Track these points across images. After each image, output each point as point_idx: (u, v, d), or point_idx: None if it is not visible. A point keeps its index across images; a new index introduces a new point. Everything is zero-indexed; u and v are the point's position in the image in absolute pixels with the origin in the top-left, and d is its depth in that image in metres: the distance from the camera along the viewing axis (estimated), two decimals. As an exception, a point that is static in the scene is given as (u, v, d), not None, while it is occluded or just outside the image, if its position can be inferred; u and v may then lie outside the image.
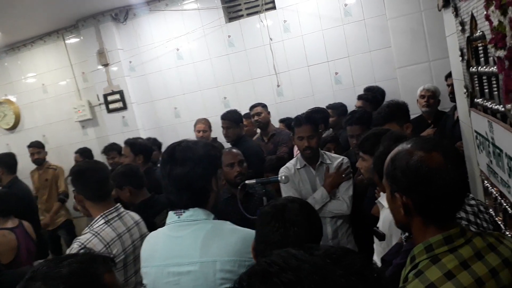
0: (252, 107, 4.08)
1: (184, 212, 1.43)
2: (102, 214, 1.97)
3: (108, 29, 4.92)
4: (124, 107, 5.08)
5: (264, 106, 4.08)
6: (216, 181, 1.50)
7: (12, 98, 5.78)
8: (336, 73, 4.42)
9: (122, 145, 3.72)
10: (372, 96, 3.79)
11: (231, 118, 3.65)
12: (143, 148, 3.41)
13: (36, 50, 5.47)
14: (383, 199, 1.88)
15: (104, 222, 1.95)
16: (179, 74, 4.95)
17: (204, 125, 4.39)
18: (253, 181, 2.31)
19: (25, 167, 5.02)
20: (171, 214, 1.47)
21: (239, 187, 2.29)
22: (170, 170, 1.44)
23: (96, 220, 1.96)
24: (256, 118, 3.99)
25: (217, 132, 4.27)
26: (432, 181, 1.03)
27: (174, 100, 5.06)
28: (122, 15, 4.90)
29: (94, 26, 4.94)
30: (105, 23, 4.91)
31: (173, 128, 5.11)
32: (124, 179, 2.72)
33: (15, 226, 3.16)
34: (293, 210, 1.23)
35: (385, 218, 1.80)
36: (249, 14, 4.66)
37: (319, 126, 2.89)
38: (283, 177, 2.35)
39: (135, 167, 2.91)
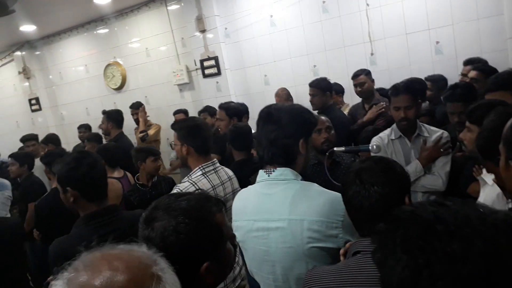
0: (355, 75, 3.71)
1: (273, 171, 1.45)
2: (200, 166, 2.08)
3: (207, -5, 4.98)
4: (218, 73, 5.17)
5: (368, 73, 3.68)
6: (306, 145, 1.48)
7: (120, 61, 6.19)
8: (437, 42, 4.03)
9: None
10: (488, 68, 3.32)
11: (318, 86, 3.53)
12: (237, 111, 3.52)
13: (141, 16, 5.76)
14: (486, 176, 1.69)
15: (202, 174, 2.07)
16: (271, 41, 4.88)
17: (278, 97, 4.32)
18: (342, 148, 2.22)
19: (128, 124, 5.40)
20: (261, 172, 1.49)
21: (326, 153, 2.21)
22: (262, 125, 1.48)
23: (195, 171, 2.07)
24: (359, 89, 3.66)
25: (305, 100, 4.18)
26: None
27: (264, 68, 5.04)
28: (221, -20, 4.92)
29: (194, -7, 5.04)
30: (204, -11, 4.98)
31: (262, 95, 5.10)
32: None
33: (121, 176, 3.43)
34: (368, 169, 1.17)
35: (487, 195, 1.62)
36: (346, -21, 4.40)
37: (417, 97, 2.67)
38: (374, 147, 2.21)
39: (239, 128, 2.98)
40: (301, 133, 1.46)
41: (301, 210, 1.35)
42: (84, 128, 5.93)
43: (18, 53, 6.98)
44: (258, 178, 1.50)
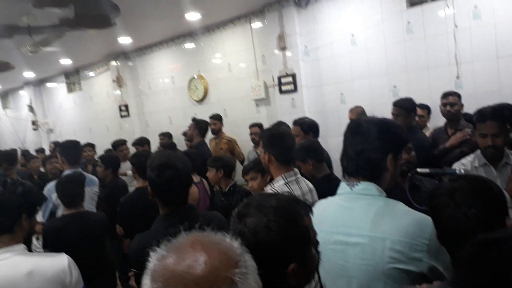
0: (446, 95, 3.54)
1: (357, 184, 1.39)
2: (282, 175, 2.10)
3: (290, 14, 5.05)
4: (295, 90, 5.20)
5: (459, 96, 3.52)
6: (394, 162, 1.40)
7: (203, 74, 6.47)
8: (533, 67, 3.71)
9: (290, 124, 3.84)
10: None
11: (403, 106, 3.39)
12: (312, 126, 3.48)
13: (226, 32, 5.99)
14: None
15: (284, 183, 2.08)
16: (350, 60, 4.82)
17: (351, 113, 4.22)
18: (426, 170, 2.10)
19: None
20: (343, 184, 1.44)
21: (408, 174, 2.11)
22: (350, 136, 1.43)
23: (277, 180, 2.10)
24: (448, 108, 3.46)
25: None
26: None
27: (341, 86, 4.97)
28: (304, 0, 4.97)
29: (278, 11, 5.14)
30: (288, 8, 5.05)
31: (337, 113, 5.03)
32: (308, 153, 2.81)
33: (198, 181, 3.55)
34: (462, 190, 1.09)
35: None
36: None
37: (506, 123, 2.46)
38: (462, 171, 2.07)
39: (317, 142, 2.97)
40: (390, 148, 1.39)
41: (383, 228, 1.28)
42: (164, 135, 6.26)
43: (113, 63, 7.58)
44: (339, 190, 1.45)
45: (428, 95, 4.25)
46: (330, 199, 1.51)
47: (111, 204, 4.06)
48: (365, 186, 1.38)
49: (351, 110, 4.19)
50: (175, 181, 1.76)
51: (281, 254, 0.98)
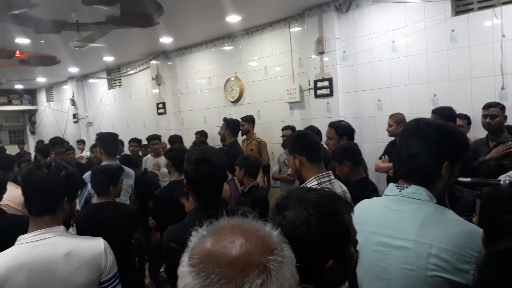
0: (487, 106, 3.40)
1: (406, 187, 1.32)
2: (316, 176, 2.04)
3: (330, 18, 5.00)
4: (330, 94, 5.13)
5: (502, 108, 3.37)
6: (450, 169, 1.31)
7: (240, 76, 6.49)
8: None
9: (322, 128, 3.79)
10: None
11: (442, 114, 3.27)
12: (347, 130, 3.40)
13: (265, 36, 5.99)
14: None
15: (317, 184, 2.02)
16: (390, 67, 4.70)
17: (390, 119, 4.08)
18: (468, 179, 1.99)
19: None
20: (391, 186, 1.38)
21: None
22: (406, 138, 1.37)
23: (310, 181, 2.04)
24: (488, 120, 3.31)
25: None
26: None
27: (379, 92, 4.86)
28: (345, 5, 4.90)
29: (318, 16, 5.09)
30: (328, 13, 5.00)
31: (373, 119, 4.92)
32: (346, 154, 2.76)
33: (229, 179, 3.55)
34: None
35: None
36: (480, 8, 4.07)
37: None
38: (507, 182, 1.95)
39: (356, 145, 2.91)
40: (448, 154, 1.30)
41: (431, 234, 1.21)
42: (200, 134, 6.32)
43: (153, 61, 7.74)
44: (386, 191, 1.39)
45: (470, 105, 4.08)
46: (374, 199, 1.45)
47: (141, 197, 4.14)
48: (415, 190, 1.31)
49: (391, 116, 4.07)
50: (210, 176, 1.76)
51: (320, 249, 0.94)
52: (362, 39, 4.87)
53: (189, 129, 7.22)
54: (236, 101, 6.58)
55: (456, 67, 4.21)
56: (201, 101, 7.28)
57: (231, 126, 4.97)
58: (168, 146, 5.70)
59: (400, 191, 1.33)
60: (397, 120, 3.98)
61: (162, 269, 1.94)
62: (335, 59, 5.05)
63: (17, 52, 6.55)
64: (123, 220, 2.79)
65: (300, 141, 2.13)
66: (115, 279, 1.69)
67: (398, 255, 1.26)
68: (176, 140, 5.67)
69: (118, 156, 4.18)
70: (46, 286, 1.52)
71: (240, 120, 5.40)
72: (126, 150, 6.47)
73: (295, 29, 5.59)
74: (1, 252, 1.55)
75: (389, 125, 4.02)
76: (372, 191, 2.72)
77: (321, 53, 5.12)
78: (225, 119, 5.21)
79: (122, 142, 5.90)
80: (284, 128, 5.17)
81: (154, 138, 5.55)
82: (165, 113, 7.77)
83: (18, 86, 11.12)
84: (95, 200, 3.17)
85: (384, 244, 1.30)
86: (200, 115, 7.30)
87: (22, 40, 5.76)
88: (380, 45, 4.74)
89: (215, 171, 1.78)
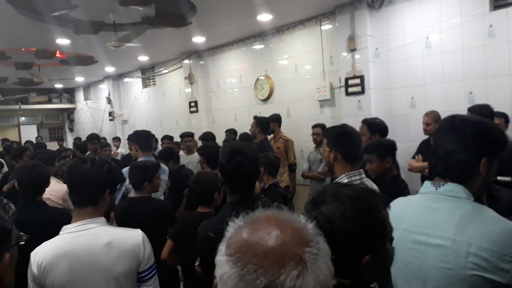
0: None
1: (443, 185, 1.29)
2: (347, 174, 2.02)
3: (362, 15, 4.92)
4: (362, 92, 5.05)
5: None
6: (488, 166, 1.27)
7: (270, 74, 6.50)
8: None
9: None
10: None
11: (479, 111, 3.16)
12: (380, 127, 3.35)
13: (296, 33, 5.97)
14: None
15: (348, 182, 1.99)
16: (424, 64, 4.58)
17: (427, 117, 3.96)
18: (508, 178, 1.93)
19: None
20: (427, 184, 1.34)
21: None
22: (442, 135, 1.33)
23: (341, 178, 2.02)
24: None
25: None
26: None
27: (412, 90, 4.74)
28: (377, 2, 4.81)
29: (350, 13, 5.02)
30: (360, 10, 4.93)
31: (406, 117, 4.81)
32: (390, 150, 2.76)
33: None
34: None
35: None
36: (522, 2, 3.90)
37: None
38: (550, 180, 1.87)
39: (394, 142, 2.86)
40: (486, 151, 1.26)
41: (470, 232, 1.18)
42: (230, 132, 6.37)
43: (186, 61, 7.87)
44: (422, 189, 1.36)
45: (508, 103, 3.92)
46: (410, 197, 1.43)
47: (175, 192, 4.21)
48: (452, 188, 1.27)
49: (428, 114, 3.96)
50: (243, 167, 1.77)
51: (356, 244, 0.94)
52: (395, 35, 4.77)
53: (220, 127, 7.29)
54: (266, 100, 6.59)
55: (494, 64, 4.05)
56: (231, 100, 7.34)
57: (261, 124, 4.98)
58: (200, 143, 5.77)
59: (436, 188, 1.30)
60: (434, 117, 3.87)
61: (196, 263, 1.97)
62: (367, 57, 4.97)
63: (58, 52, 6.82)
64: (156, 215, 2.85)
65: (341, 137, 2.10)
66: (153, 269, 1.74)
67: (435, 254, 1.23)
68: (209, 137, 5.74)
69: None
70: (87, 274, 1.59)
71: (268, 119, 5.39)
72: (160, 147, 6.61)
73: (326, 26, 5.54)
74: (47, 241, 1.63)
75: (427, 124, 3.91)
76: (404, 189, 2.68)
77: (353, 50, 5.05)
78: (255, 117, 5.23)
79: (156, 140, 6.02)
80: (314, 126, 5.13)
81: (187, 135, 5.65)
82: (197, 111, 7.88)
83: (58, 85, 11.57)
84: (131, 194, 3.27)
85: (420, 242, 1.27)
86: (231, 114, 7.36)
87: (62, 41, 5.99)
88: (413, 41, 4.62)
89: (248, 162, 1.80)
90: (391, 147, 2.78)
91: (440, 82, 4.46)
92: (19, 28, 5.25)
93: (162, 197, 4.06)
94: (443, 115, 4.04)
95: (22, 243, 0.98)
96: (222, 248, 0.72)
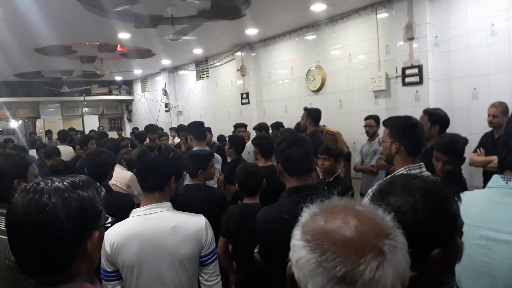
0: None
1: None
2: (406, 167, 1.97)
3: (421, 3, 4.70)
4: (420, 82, 4.85)
5: None
6: None
7: (322, 65, 6.41)
8: None
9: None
10: None
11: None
12: (441, 119, 3.21)
13: (350, 23, 5.83)
14: None
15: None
16: (488, 52, 4.31)
17: (495, 108, 3.71)
18: None
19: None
20: (496, 177, 1.28)
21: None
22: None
23: (400, 171, 1.97)
24: None
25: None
26: None
27: (475, 80, 4.48)
28: (438, -12, 4.59)
29: (407, 0, 4.82)
30: (419, -3, 4.72)
31: (467, 109, 4.56)
32: (463, 151, 2.65)
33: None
34: None
35: None
36: None
37: None
38: None
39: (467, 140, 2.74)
40: None
41: None
42: (273, 127, 6.33)
43: (238, 53, 7.94)
44: (490, 183, 1.30)
45: None
46: (476, 191, 1.36)
47: (229, 181, 4.29)
48: None
49: (495, 106, 3.72)
50: (302, 152, 1.85)
51: (426, 237, 0.92)
52: (456, 23, 4.52)
53: (270, 119, 7.28)
54: (317, 91, 6.51)
55: None
56: (282, 91, 7.33)
57: (312, 115, 4.91)
58: (253, 134, 5.83)
59: (506, 182, 1.24)
60: (502, 108, 3.65)
61: (256, 250, 2.02)
62: (426, 45, 4.75)
63: (118, 46, 7.15)
64: (209, 202, 2.92)
65: (408, 130, 2.02)
66: (214, 254, 1.81)
67: (505, 250, 1.18)
68: (263, 128, 5.76)
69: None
70: (155, 255, 1.68)
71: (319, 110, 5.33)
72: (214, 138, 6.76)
73: (382, 15, 5.36)
74: (118, 223, 1.74)
75: (494, 116, 3.68)
76: (465, 184, 2.59)
77: (410, 39, 4.85)
78: (305, 109, 5.16)
79: (210, 130, 6.14)
80: (367, 118, 4.98)
81: (240, 126, 5.74)
82: (248, 103, 7.95)
83: (118, 78, 12.15)
84: (187, 181, 3.39)
85: (489, 238, 1.22)
86: (281, 105, 7.36)
87: (123, 35, 6.27)
88: (477, 29, 4.35)
89: (305, 150, 1.87)
90: (465, 145, 2.64)
91: (506, 71, 4.18)
92: (85, 24, 5.56)
93: (215, 185, 4.17)
94: (510, 107, 3.85)
95: (109, 225, 1.06)
96: (297, 233, 0.72)
